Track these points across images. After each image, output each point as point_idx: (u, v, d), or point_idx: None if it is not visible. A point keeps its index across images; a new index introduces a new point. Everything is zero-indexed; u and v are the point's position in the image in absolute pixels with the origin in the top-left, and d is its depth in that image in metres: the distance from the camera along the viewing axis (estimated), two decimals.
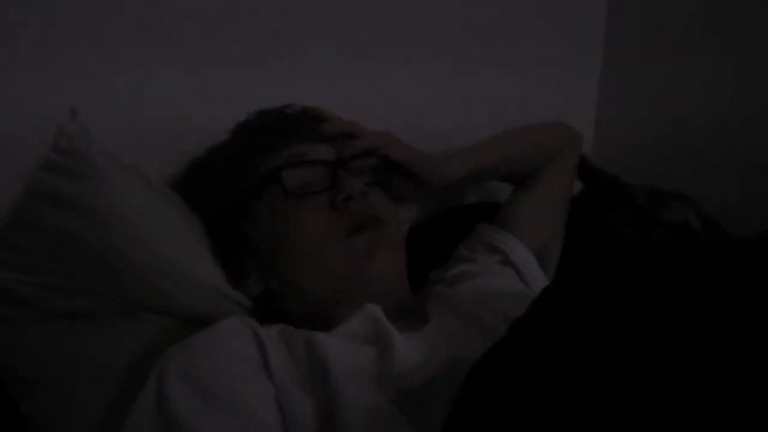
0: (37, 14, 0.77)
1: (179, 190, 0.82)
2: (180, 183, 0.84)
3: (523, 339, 0.49)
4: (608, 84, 1.37)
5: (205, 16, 0.89)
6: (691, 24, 1.24)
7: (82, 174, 0.71)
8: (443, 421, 0.50)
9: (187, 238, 0.76)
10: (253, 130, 0.81)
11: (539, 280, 0.88)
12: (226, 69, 0.90)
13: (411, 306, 0.76)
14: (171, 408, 0.57)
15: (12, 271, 0.71)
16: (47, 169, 0.71)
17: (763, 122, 1.10)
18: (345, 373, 0.60)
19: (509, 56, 1.23)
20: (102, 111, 0.78)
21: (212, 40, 0.90)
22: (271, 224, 0.75)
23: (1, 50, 0.75)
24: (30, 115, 0.75)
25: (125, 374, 0.69)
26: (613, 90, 1.37)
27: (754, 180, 1.09)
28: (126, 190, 0.73)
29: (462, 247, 0.92)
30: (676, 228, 0.91)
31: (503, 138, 0.95)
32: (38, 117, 0.74)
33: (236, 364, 0.62)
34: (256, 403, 0.59)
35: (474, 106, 1.18)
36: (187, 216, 0.78)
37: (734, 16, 1.16)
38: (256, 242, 0.76)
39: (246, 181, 0.77)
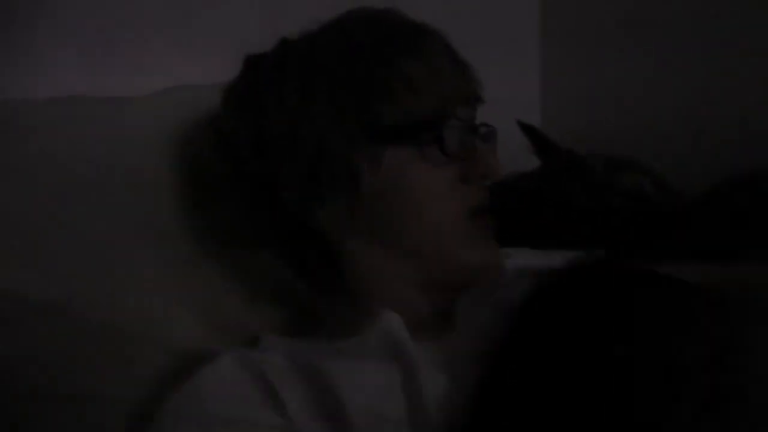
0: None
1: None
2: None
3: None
4: (549, 81, 1.42)
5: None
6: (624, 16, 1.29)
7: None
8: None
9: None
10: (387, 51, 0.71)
11: None
12: None
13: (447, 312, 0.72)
14: None
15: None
16: None
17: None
18: (360, 410, 0.60)
19: None
20: None
21: None
22: (393, 177, 0.69)
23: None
24: None
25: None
26: (553, 88, 1.41)
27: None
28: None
29: None
30: (631, 195, 0.93)
31: None
32: None
33: (235, 409, 0.61)
34: None
35: None
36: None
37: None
38: (364, 185, 0.69)
39: (383, 122, 0.69)
